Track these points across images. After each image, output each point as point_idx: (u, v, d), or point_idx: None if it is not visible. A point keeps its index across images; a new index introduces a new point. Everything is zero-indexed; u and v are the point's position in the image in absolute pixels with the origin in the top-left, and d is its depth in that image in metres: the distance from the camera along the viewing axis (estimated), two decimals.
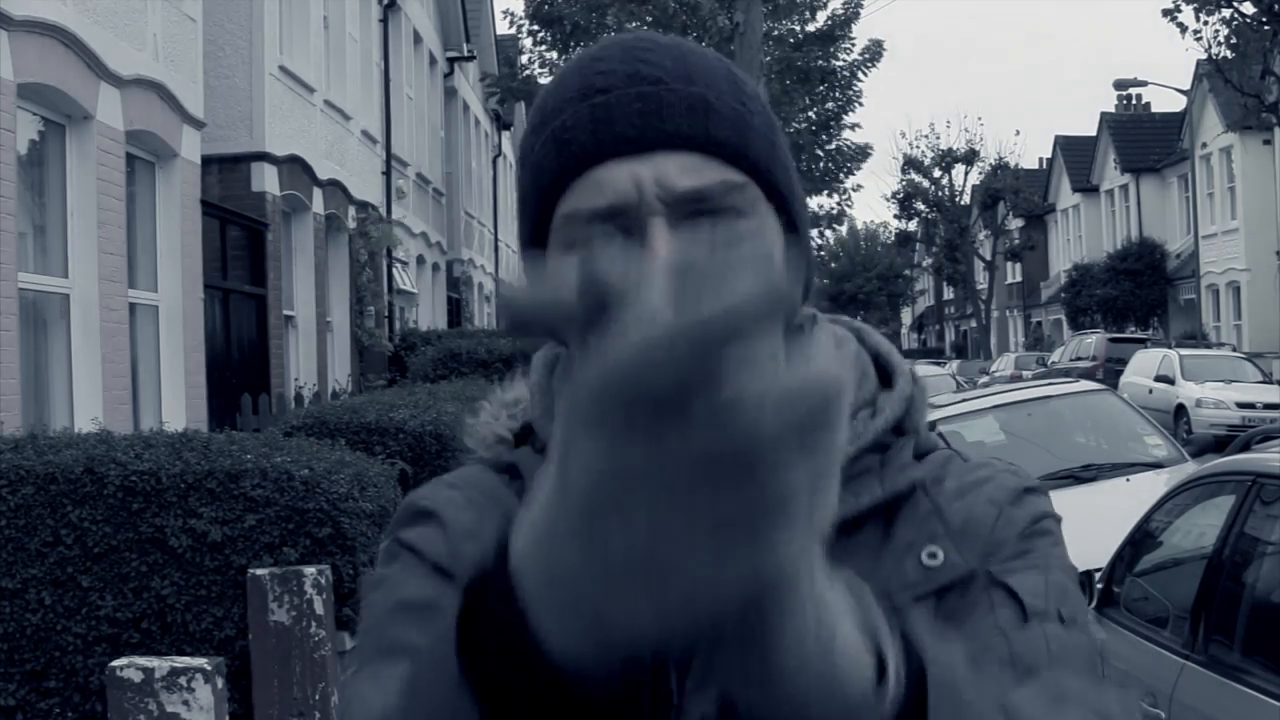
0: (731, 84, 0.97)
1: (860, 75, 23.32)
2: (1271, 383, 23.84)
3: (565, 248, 0.94)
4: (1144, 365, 24.92)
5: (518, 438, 1.09)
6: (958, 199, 51.08)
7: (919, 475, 1.02)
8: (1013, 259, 52.78)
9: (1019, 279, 57.35)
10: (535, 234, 0.98)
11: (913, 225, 52.87)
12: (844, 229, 68.65)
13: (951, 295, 68.71)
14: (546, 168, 0.95)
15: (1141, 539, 5.02)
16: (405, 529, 1.04)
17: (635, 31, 1.00)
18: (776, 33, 22.61)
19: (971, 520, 1.01)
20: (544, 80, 24.95)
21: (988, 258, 51.48)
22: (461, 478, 1.08)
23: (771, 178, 0.96)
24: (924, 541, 0.99)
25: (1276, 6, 22.04)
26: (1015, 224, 51.51)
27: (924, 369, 21.11)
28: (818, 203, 27.64)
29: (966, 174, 50.96)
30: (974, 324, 55.20)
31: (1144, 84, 35.12)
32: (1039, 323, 54.64)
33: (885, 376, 1.10)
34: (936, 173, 50.56)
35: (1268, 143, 33.85)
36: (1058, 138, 52.24)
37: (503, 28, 26.12)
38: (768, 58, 17.23)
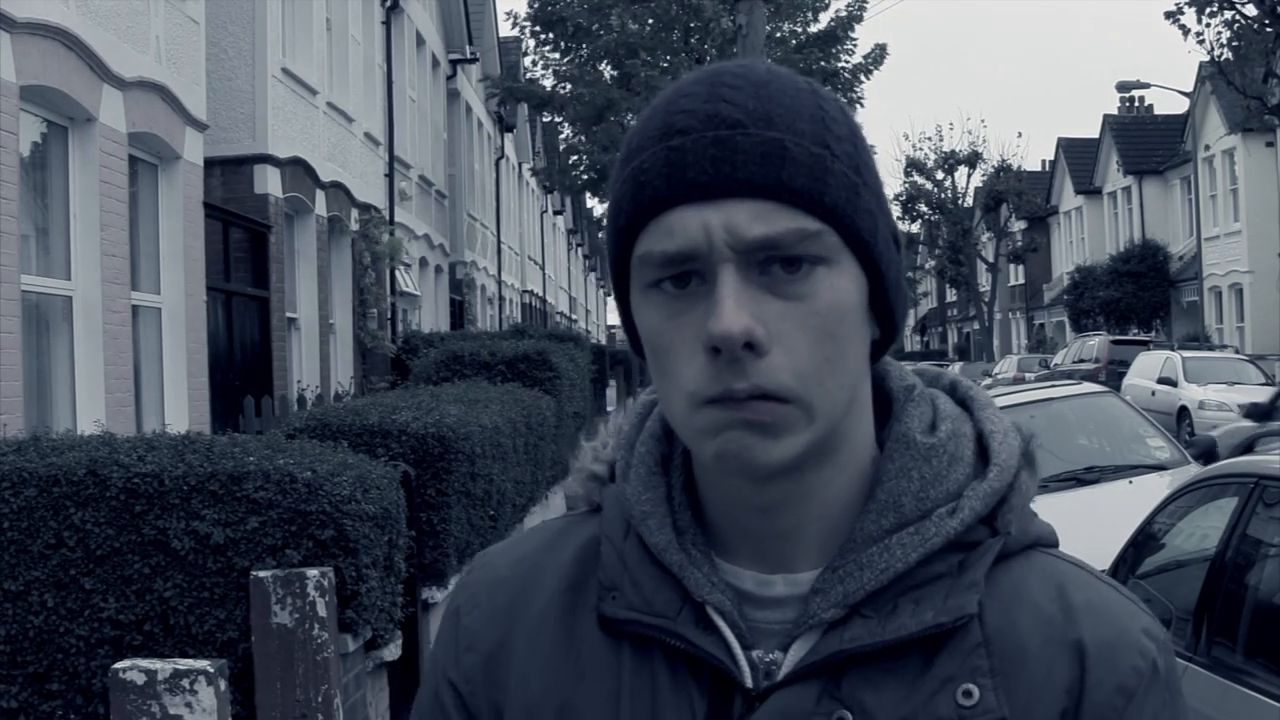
0: (816, 124, 0.95)
1: (863, 78, 23.30)
2: (1274, 385, 23.81)
3: (643, 288, 0.96)
4: (1147, 367, 24.90)
5: (614, 472, 1.12)
6: (960, 201, 51.06)
7: (970, 608, 0.96)
8: (1015, 261, 52.77)
9: (1022, 281, 57.33)
10: (617, 270, 1.00)
11: (916, 227, 52.84)
12: None
13: (954, 297, 68.68)
14: (624, 208, 0.96)
15: (1144, 541, 5.02)
16: (448, 651, 1.10)
17: (730, 63, 0.99)
18: (779, 34, 22.60)
19: (1049, 672, 0.96)
20: (546, 82, 24.97)
21: (990, 260, 51.46)
22: (532, 535, 1.13)
23: (851, 223, 0.94)
24: (965, 677, 0.95)
25: (1278, 8, 22.02)
26: (1018, 226, 51.49)
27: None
28: None
29: (969, 176, 50.96)
30: (977, 326, 55.19)
31: (1147, 86, 35.12)
32: (1041, 325, 54.61)
33: (987, 456, 1.02)
34: (939, 175, 50.57)
35: (1270, 145, 33.84)
36: (1060, 140, 52.25)
37: (505, 29, 26.10)
38: (769, 59, 17.21)
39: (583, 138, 25.13)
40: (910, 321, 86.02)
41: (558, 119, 25.64)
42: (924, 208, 51.13)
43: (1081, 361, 29.74)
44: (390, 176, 19.62)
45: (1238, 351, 29.19)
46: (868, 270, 0.96)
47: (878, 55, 23.45)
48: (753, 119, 0.93)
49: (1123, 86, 35.60)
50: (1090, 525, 7.34)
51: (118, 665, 4.15)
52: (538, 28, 23.84)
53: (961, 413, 1.05)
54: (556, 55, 24.18)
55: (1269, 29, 22.32)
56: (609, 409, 26.82)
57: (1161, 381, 23.66)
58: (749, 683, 0.96)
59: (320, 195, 15.56)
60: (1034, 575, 1.00)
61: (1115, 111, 48.43)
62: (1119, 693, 0.97)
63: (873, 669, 0.95)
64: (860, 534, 0.98)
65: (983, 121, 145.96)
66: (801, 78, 1.00)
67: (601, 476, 1.10)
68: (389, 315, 18.94)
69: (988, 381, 32.47)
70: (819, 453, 0.96)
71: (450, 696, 1.07)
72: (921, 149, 53.41)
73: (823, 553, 0.99)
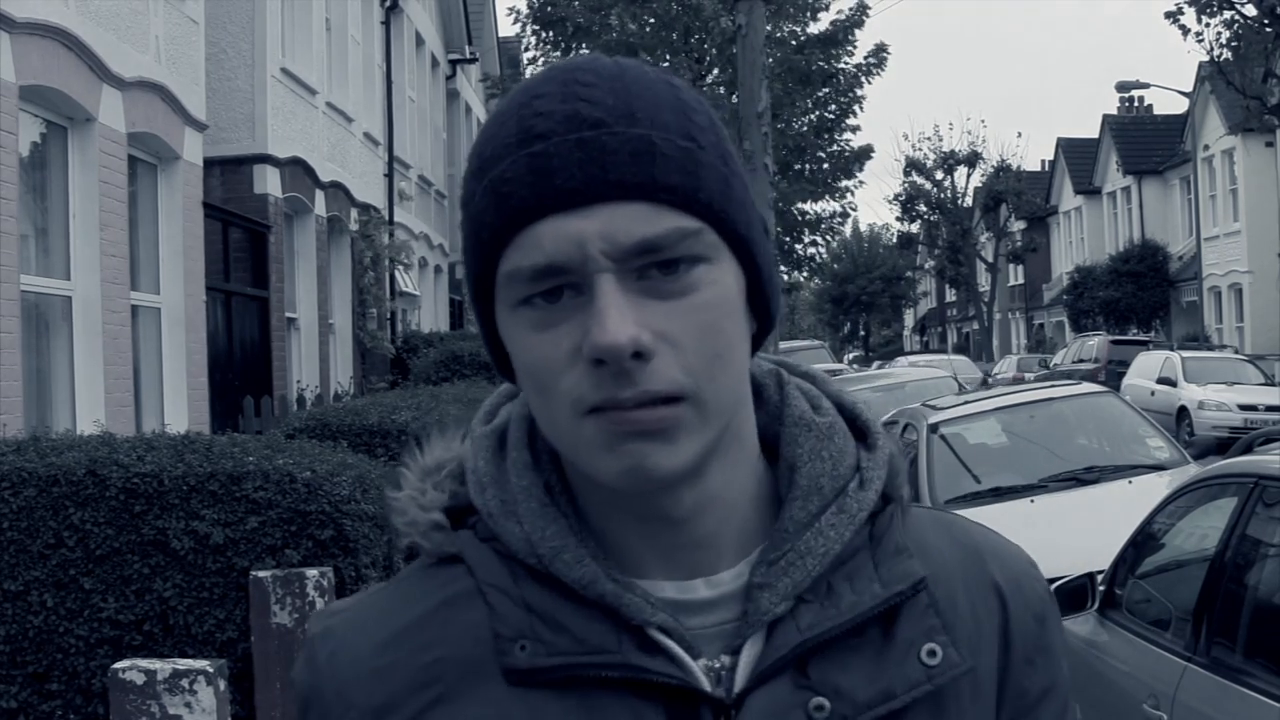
0: (679, 115, 0.91)
1: (864, 80, 23.32)
2: (1273, 385, 23.82)
3: (511, 306, 0.90)
4: (1146, 367, 24.90)
5: (452, 515, 1.00)
6: (960, 201, 51.07)
7: (919, 571, 0.98)
8: (1015, 261, 52.77)
9: (1021, 281, 57.34)
10: (478, 287, 0.94)
11: (915, 227, 52.85)
12: (847, 230, 68.70)
13: (954, 297, 68.69)
14: (486, 222, 0.90)
15: (1144, 541, 5.02)
16: None
17: (576, 58, 0.93)
18: (779, 35, 22.60)
19: (976, 613, 1.00)
20: None
21: (990, 260, 51.47)
22: (387, 603, 0.99)
23: (726, 218, 0.91)
24: (923, 638, 0.96)
25: (1278, 9, 22.02)
26: (1017, 226, 51.51)
27: (926, 371, 21.08)
28: (820, 206, 27.63)
29: (969, 176, 50.97)
30: (976, 326, 55.21)
31: (1146, 86, 35.12)
32: (1041, 325, 54.62)
33: (858, 432, 1.03)
34: (939, 175, 50.57)
35: (1270, 145, 33.83)
36: (1060, 140, 52.25)
37: (505, 29, 26.12)
38: (770, 60, 17.22)
39: None
40: (910, 321, 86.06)
41: None
42: (923, 208, 51.14)
43: (1081, 361, 29.75)
44: (390, 176, 19.62)
45: (1237, 351, 29.19)
46: (744, 263, 0.93)
47: (878, 56, 23.45)
48: (615, 116, 0.88)
49: (1122, 86, 35.60)
50: (1090, 525, 7.35)
51: (117, 665, 4.15)
52: (538, 27, 23.86)
53: (817, 390, 1.05)
54: (557, 56, 24.18)
55: (1268, 29, 22.33)
56: None
57: (1161, 381, 23.66)
58: (717, 693, 0.94)
59: (320, 195, 15.56)
60: (929, 530, 1.03)
61: (1115, 111, 48.42)
62: (1035, 620, 1.03)
63: (835, 651, 0.95)
64: (791, 522, 0.96)
65: (982, 121, 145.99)
66: (651, 67, 0.96)
67: (444, 524, 0.99)
68: (388, 315, 18.94)
69: (987, 381, 32.48)
70: (718, 451, 0.93)
71: None
72: (921, 149, 53.37)
73: (737, 550, 0.97)
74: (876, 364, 48.50)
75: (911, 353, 57.06)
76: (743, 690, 0.94)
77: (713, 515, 0.95)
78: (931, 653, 0.96)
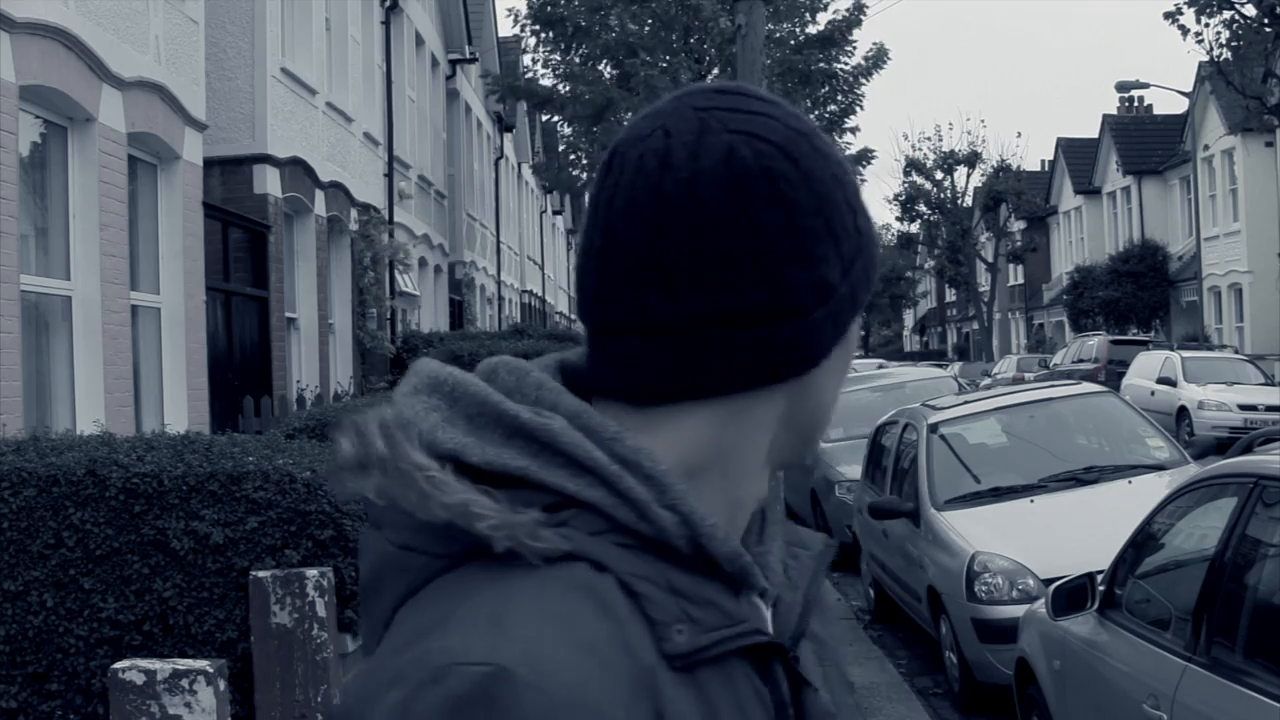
0: None
1: (863, 80, 23.30)
2: (1273, 385, 23.82)
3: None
4: (1146, 367, 24.91)
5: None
6: (960, 201, 51.03)
7: (821, 536, 1.19)
8: (1015, 261, 52.76)
9: (1021, 281, 57.34)
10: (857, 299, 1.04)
11: (915, 227, 52.83)
12: None
13: (953, 297, 68.68)
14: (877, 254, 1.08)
15: (1143, 541, 5.02)
16: None
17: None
18: (777, 35, 22.59)
19: None
20: (546, 81, 24.94)
21: (990, 260, 51.46)
22: (558, 626, 0.86)
23: None
24: (824, 571, 1.14)
25: (1278, 9, 22.01)
26: (1017, 226, 51.49)
27: (927, 371, 21.08)
28: None
29: (969, 176, 50.92)
30: (976, 326, 55.18)
31: (1146, 86, 35.12)
32: (1041, 325, 54.63)
33: None
34: (938, 175, 50.52)
35: (1269, 145, 33.84)
36: (1060, 140, 52.27)
37: (505, 29, 26.12)
38: (769, 60, 17.23)
39: (583, 138, 25.13)
40: (909, 321, 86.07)
41: (557, 119, 25.64)
42: (923, 208, 51.11)
43: (1081, 361, 29.75)
44: (390, 176, 19.62)
45: (1237, 351, 29.19)
46: None
47: (878, 56, 23.43)
48: None
49: (1122, 86, 35.60)
50: (1090, 525, 7.36)
51: (117, 665, 4.15)
52: (537, 27, 23.84)
53: None
54: (557, 56, 24.18)
55: (1268, 29, 22.32)
56: None
57: (1161, 381, 23.66)
58: (788, 646, 1.03)
59: (320, 195, 15.56)
60: None
61: (1115, 111, 48.44)
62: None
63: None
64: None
65: (982, 121, 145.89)
66: None
67: (546, 521, 0.93)
68: (388, 315, 18.94)
69: (987, 381, 32.46)
70: None
71: None
72: (920, 149, 53.28)
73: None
74: (876, 364, 48.48)
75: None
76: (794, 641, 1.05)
77: None
78: (830, 580, 1.17)
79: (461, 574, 0.91)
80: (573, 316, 58.89)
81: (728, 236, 0.95)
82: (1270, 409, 21.00)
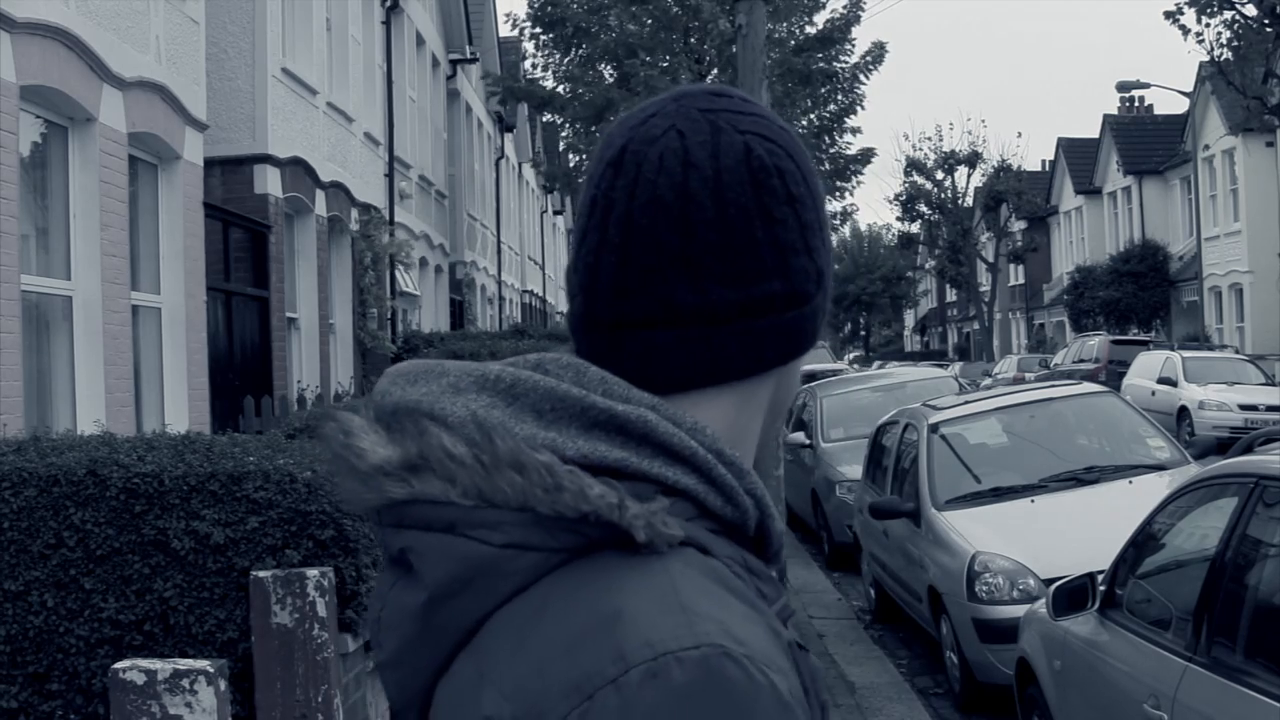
0: None
1: (863, 78, 23.29)
2: (1274, 385, 23.81)
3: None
4: (1147, 367, 24.90)
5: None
6: (960, 201, 51.04)
7: None
8: (1015, 261, 52.75)
9: (1021, 281, 57.33)
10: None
11: (915, 227, 52.82)
12: (848, 231, 68.69)
13: (954, 297, 68.67)
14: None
15: (1144, 541, 5.02)
16: None
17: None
18: (777, 35, 22.59)
19: None
20: (546, 83, 24.93)
21: (990, 260, 51.46)
22: (732, 607, 0.90)
23: None
24: None
25: (1278, 9, 22.00)
26: (1018, 226, 51.49)
27: (927, 371, 21.07)
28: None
29: (969, 176, 50.94)
30: (976, 326, 55.18)
31: (1146, 86, 35.12)
32: (1041, 325, 54.62)
33: None
34: (939, 175, 50.54)
35: (1270, 145, 33.84)
36: (1060, 140, 52.26)
37: (505, 29, 26.11)
38: (769, 59, 17.22)
39: (583, 138, 25.12)
40: (910, 321, 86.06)
41: (558, 119, 25.64)
42: (924, 208, 51.10)
43: (1081, 361, 29.74)
44: (390, 176, 19.62)
45: (1238, 351, 29.18)
46: None
47: (877, 54, 23.43)
48: None
49: (1123, 86, 35.59)
50: (1090, 525, 7.36)
51: (118, 665, 4.15)
52: (537, 28, 23.84)
53: None
54: (556, 57, 24.17)
55: (1269, 29, 22.31)
56: None
57: (1161, 381, 23.66)
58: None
59: (320, 195, 15.56)
60: None
61: (1115, 111, 48.43)
62: None
63: None
64: None
65: (983, 121, 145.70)
66: None
67: (668, 508, 0.94)
68: (389, 315, 18.94)
69: (987, 381, 32.46)
70: None
71: None
72: (921, 149, 53.32)
73: None
74: (876, 364, 48.50)
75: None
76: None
77: None
78: None
79: (581, 568, 0.91)
80: None
81: (750, 229, 1.01)
82: (1271, 409, 20.99)
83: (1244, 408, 21.59)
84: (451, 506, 0.91)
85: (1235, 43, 22.88)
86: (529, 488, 0.90)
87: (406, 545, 0.94)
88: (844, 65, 23.36)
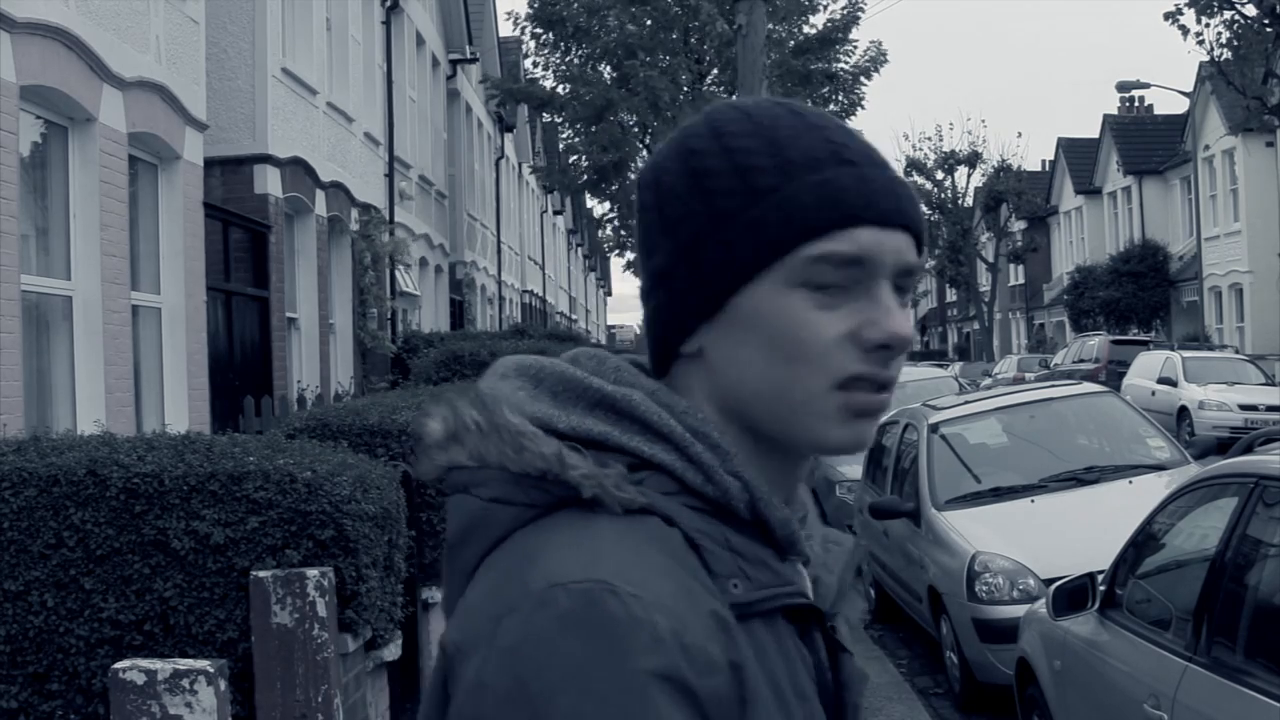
0: None
1: (863, 80, 23.29)
2: (1274, 385, 23.81)
3: (791, 286, 1.06)
4: (1147, 367, 24.90)
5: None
6: (960, 201, 51.06)
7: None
8: (1015, 261, 52.76)
9: (1021, 281, 57.32)
10: (755, 261, 1.07)
11: None
12: None
13: (954, 297, 68.67)
14: (809, 215, 1.06)
15: (1144, 541, 5.02)
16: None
17: (792, 101, 1.17)
18: (776, 36, 22.59)
19: None
20: (546, 83, 24.92)
21: (990, 260, 51.47)
22: (651, 562, 0.98)
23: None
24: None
25: (1278, 9, 22.00)
26: (1018, 226, 51.50)
27: (927, 371, 21.07)
28: None
29: (969, 176, 50.96)
30: (976, 326, 55.19)
31: (1146, 86, 35.11)
32: (1041, 325, 54.61)
33: None
34: (939, 175, 50.55)
35: (1270, 145, 33.84)
36: (1060, 140, 52.26)
37: (506, 29, 26.13)
38: (769, 60, 17.22)
39: (582, 138, 25.13)
40: (910, 321, 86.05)
41: (557, 119, 25.65)
42: (924, 208, 50.99)
43: (1081, 361, 29.74)
44: (390, 176, 19.62)
45: (1238, 351, 29.19)
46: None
47: (876, 55, 23.43)
48: (889, 165, 1.12)
49: (1123, 86, 35.58)
50: (1090, 525, 7.35)
51: (118, 665, 4.15)
52: (538, 29, 23.86)
53: None
54: (556, 57, 24.19)
55: (1269, 29, 22.30)
56: None
57: (1161, 381, 23.66)
58: (828, 610, 1.15)
59: (320, 195, 15.56)
60: None
61: (1115, 111, 48.43)
62: None
63: None
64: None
65: (983, 121, 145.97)
66: None
67: (630, 478, 1.04)
68: (389, 315, 18.94)
69: (987, 381, 32.45)
70: None
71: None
72: (921, 149, 53.38)
73: None
74: None
75: None
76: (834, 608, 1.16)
77: None
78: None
79: (545, 522, 1.02)
80: (574, 316, 58.81)
81: (673, 209, 1.12)
82: (1271, 409, 21.00)
83: (1244, 408, 21.59)
84: (466, 470, 1.06)
85: (1235, 43, 22.87)
86: (503, 448, 1.04)
87: (448, 506, 1.10)
88: (844, 66, 23.36)
